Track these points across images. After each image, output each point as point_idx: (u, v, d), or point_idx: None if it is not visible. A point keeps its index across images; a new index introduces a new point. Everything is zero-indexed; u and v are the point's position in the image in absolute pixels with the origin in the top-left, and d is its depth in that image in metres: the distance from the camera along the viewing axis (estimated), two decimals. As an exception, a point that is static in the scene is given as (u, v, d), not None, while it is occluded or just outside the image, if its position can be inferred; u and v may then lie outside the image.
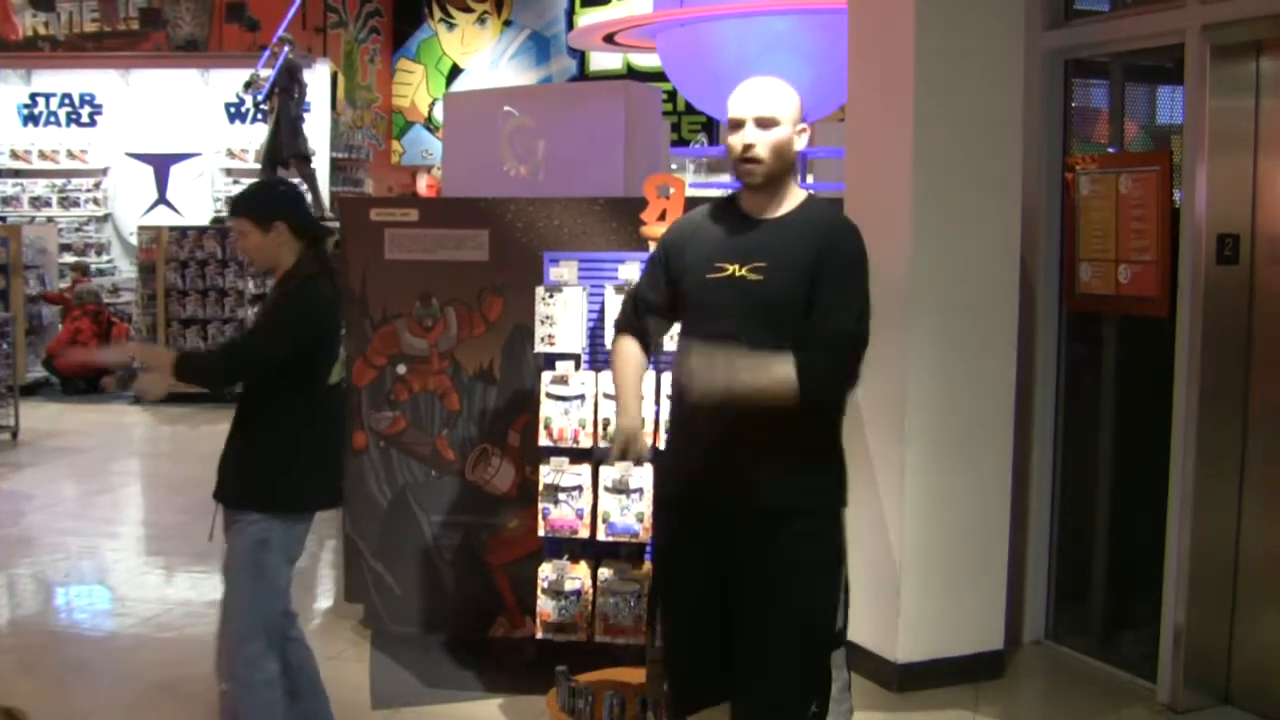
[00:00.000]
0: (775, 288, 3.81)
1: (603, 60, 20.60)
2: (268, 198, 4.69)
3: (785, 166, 3.91)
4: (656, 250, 4.18)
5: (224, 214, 17.69)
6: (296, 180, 16.58)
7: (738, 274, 3.85)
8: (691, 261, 3.96)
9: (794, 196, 3.95)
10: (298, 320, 4.56)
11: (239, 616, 4.57)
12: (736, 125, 3.90)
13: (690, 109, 16.70)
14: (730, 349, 3.66)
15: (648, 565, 5.24)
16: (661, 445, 5.02)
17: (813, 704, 3.88)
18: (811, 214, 3.94)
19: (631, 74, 19.20)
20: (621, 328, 4.26)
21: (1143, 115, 6.84)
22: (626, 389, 4.21)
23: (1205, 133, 5.53)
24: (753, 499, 3.82)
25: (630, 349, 4.20)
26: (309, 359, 4.57)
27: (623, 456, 4.19)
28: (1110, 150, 6.50)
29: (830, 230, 3.90)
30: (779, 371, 3.66)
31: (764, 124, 3.87)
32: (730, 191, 4.14)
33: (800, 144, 3.92)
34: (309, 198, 16.98)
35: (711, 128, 17.98)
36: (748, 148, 3.87)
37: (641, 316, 4.18)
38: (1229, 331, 5.61)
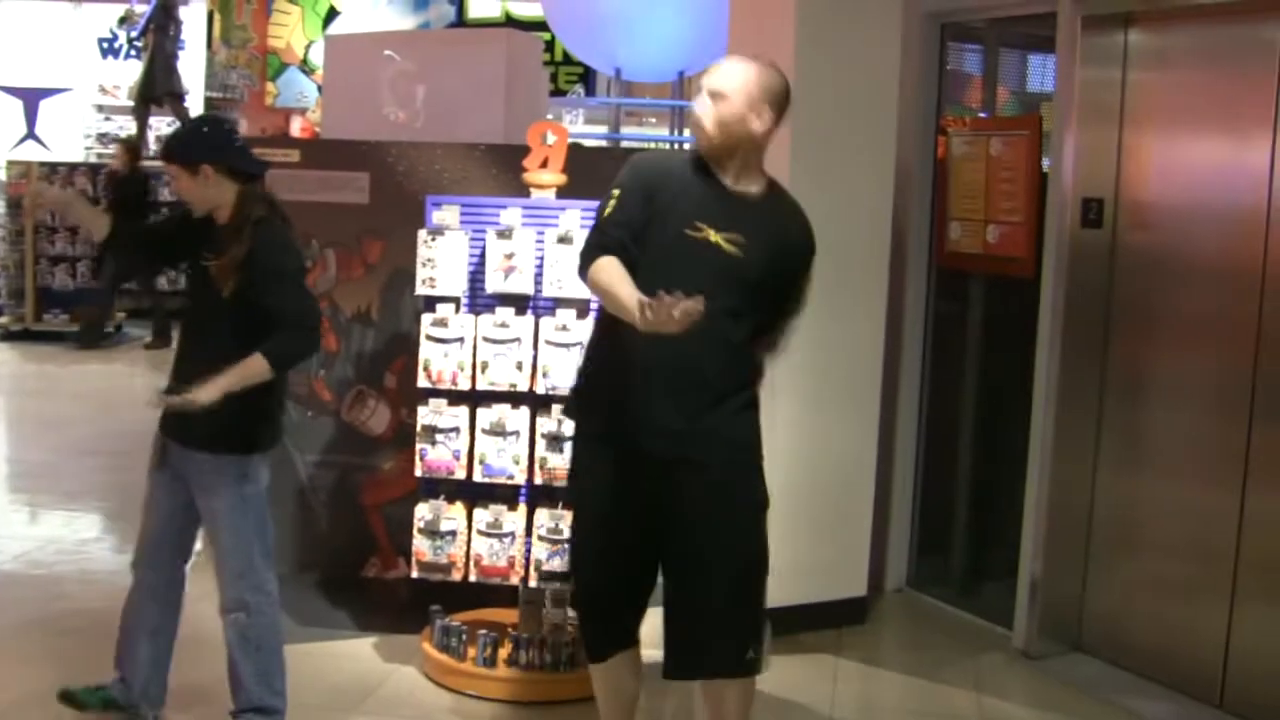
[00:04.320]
0: (749, 267, 3.94)
1: (482, 7, 20.46)
2: (191, 140, 4.58)
3: (734, 142, 3.99)
4: (630, 181, 4.04)
5: (94, 150, 17.43)
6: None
7: (713, 240, 3.93)
8: (670, 207, 3.98)
9: (761, 178, 4.09)
10: (300, 266, 4.65)
11: (239, 552, 4.52)
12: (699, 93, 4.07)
13: (568, 59, 16.64)
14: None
15: (523, 507, 5.32)
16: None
17: (750, 649, 4.00)
18: (781, 205, 4.13)
19: (510, 22, 19.10)
20: (596, 251, 3.98)
21: (1014, 81, 7.01)
22: (625, 280, 3.87)
23: (1074, 100, 5.69)
24: (691, 445, 3.93)
25: (614, 260, 3.93)
26: None
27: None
28: (982, 114, 6.66)
29: (799, 231, 4.14)
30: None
31: (714, 95, 4.00)
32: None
33: (757, 127, 3.98)
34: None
35: (589, 77, 17.93)
36: (695, 115, 4.05)
37: (613, 248, 3.97)
38: (1091, 292, 5.79)
